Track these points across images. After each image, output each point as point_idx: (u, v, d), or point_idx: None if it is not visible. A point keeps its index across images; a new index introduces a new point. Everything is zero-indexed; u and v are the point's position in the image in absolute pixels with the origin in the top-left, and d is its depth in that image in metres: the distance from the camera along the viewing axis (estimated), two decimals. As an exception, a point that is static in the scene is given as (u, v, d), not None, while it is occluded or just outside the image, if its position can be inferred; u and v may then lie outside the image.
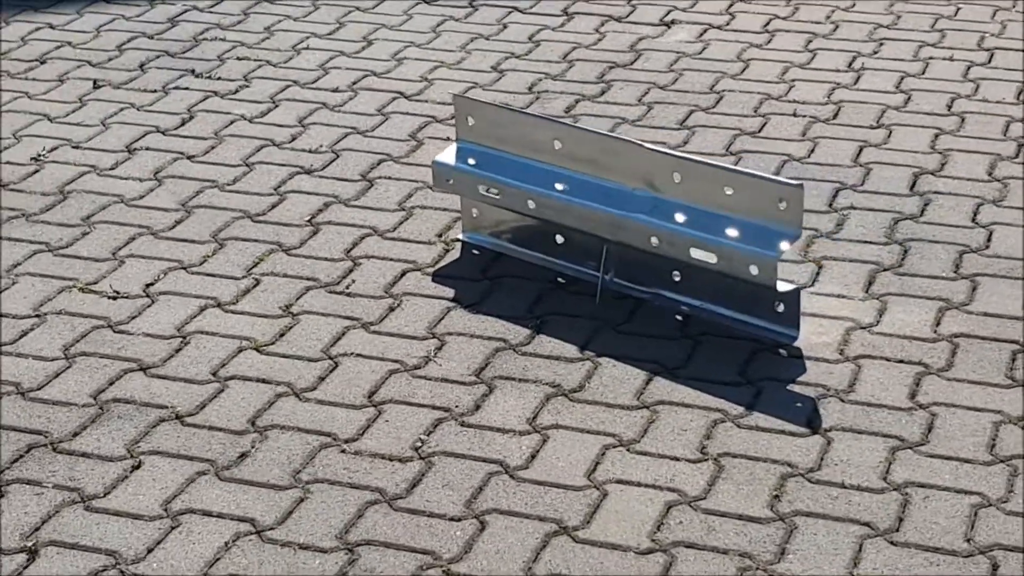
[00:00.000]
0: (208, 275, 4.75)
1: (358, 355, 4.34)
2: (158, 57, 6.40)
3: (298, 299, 4.62)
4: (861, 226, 4.97)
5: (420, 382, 4.22)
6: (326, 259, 4.83)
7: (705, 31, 6.61)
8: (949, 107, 5.82)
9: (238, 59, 6.36)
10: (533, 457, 3.91)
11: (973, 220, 5.00)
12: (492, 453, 3.92)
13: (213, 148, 5.59)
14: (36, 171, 5.43)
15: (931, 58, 6.28)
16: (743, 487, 3.78)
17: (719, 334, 4.42)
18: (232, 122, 5.79)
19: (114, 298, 4.62)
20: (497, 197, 4.74)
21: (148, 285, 4.70)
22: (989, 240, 4.88)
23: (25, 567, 3.55)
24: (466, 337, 4.42)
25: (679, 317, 4.50)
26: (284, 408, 4.11)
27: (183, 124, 5.78)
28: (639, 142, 4.58)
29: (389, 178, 5.35)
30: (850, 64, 6.24)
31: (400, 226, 5.03)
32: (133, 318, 4.53)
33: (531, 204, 4.67)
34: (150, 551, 3.59)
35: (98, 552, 3.59)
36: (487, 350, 4.35)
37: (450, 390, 4.18)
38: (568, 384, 4.20)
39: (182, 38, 6.59)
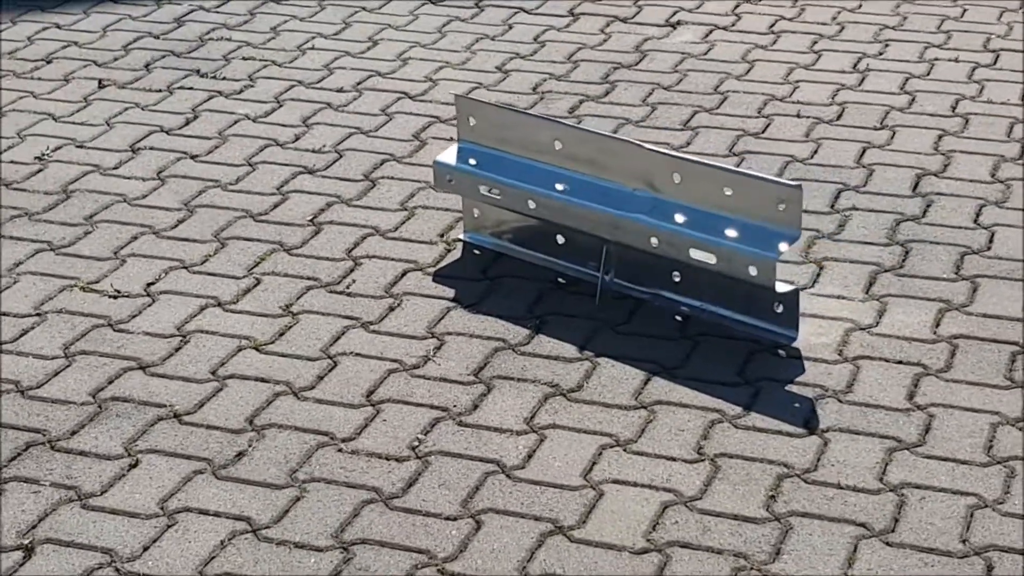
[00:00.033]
0: (209, 274, 4.76)
1: (357, 355, 4.34)
2: (164, 57, 6.42)
3: (298, 298, 4.62)
4: (863, 227, 4.97)
5: (418, 382, 4.22)
6: (327, 259, 4.84)
7: (711, 32, 6.60)
8: (953, 108, 5.82)
9: (243, 59, 6.37)
10: (530, 457, 3.91)
11: (975, 221, 4.99)
12: (489, 453, 3.93)
13: (216, 148, 5.60)
14: (39, 170, 5.44)
15: (936, 59, 6.27)
16: (739, 487, 3.78)
17: (718, 335, 4.42)
18: (236, 122, 5.80)
19: (115, 297, 4.64)
20: (498, 197, 4.74)
21: (149, 284, 4.71)
22: (991, 241, 4.87)
23: (21, 565, 3.56)
24: (465, 337, 4.42)
25: (679, 317, 4.51)
26: (282, 407, 4.12)
27: (187, 124, 5.80)
28: (639, 142, 4.58)
29: (392, 178, 5.35)
30: (855, 65, 6.24)
31: (402, 226, 5.04)
32: (133, 317, 4.54)
33: (531, 204, 4.68)
34: (146, 549, 3.60)
35: (94, 550, 3.60)
36: (486, 350, 4.35)
37: (448, 390, 4.18)
38: (566, 384, 4.20)
39: (188, 38, 6.60)
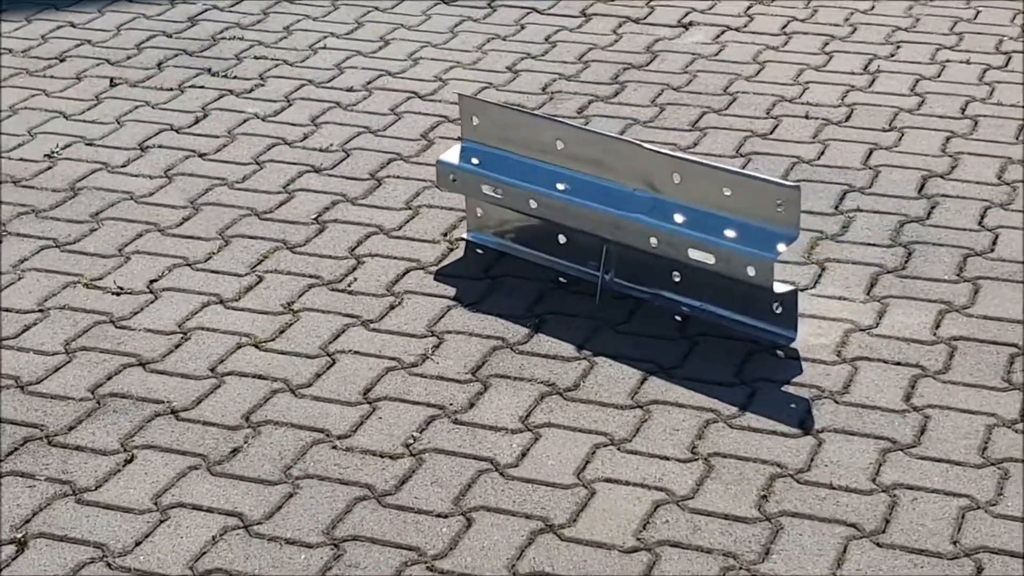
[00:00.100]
0: (212, 272, 4.78)
1: (356, 352, 4.36)
2: (176, 56, 6.45)
3: (300, 296, 4.64)
4: (866, 228, 4.96)
5: (416, 380, 4.23)
6: (330, 257, 4.85)
7: (722, 33, 6.60)
8: (963, 110, 5.80)
9: (255, 58, 6.40)
10: (524, 455, 3.92)
11: (979, 223, 4.98)
12: (483, 451, 3.93)
13: (225, 146, 5.62)
14: (48, 168, 5.47)
15: (948, 61, 6.26)
16: (731, 487, 3.78)
17: (717, 335, 4.42)
18: (245, 121, 5.83)
19: (118, 294, 4.66)
20: (500, 197, 4.75)
21: (152, 281, 4.73)
22: (994, 243, 4.86)
23: (14, 558, 3.58)
24: (464, 335, 4.43)
25: (678, 318, 4.51)
26: (279, 404, 4.13)
27: (197, 122, 5.82)
28: (639, 142, 4.59)
29: (398, 177, 5.37)
30: (866, 67, 6.23)
31: (406, 225, 5.05)
32: (135, 314, 4.56)
33: (533, 204, 4.69)
34: (138, 544, 3.62)
35: (86, 544, 3.62)
36: (485, 348, 4.36)
37: (445, 388, 4.19)
38: (563, 383, 4.20)
39: (201, 37, 6.63)
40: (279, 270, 4.78)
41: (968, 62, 6.24)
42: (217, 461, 3.90)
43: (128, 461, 3.91)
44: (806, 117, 5.76)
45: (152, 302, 4.62)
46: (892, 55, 6.34)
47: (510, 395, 4.15)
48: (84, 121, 5.84)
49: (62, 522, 3.69)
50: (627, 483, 3.81)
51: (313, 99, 6.01)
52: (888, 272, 4.71)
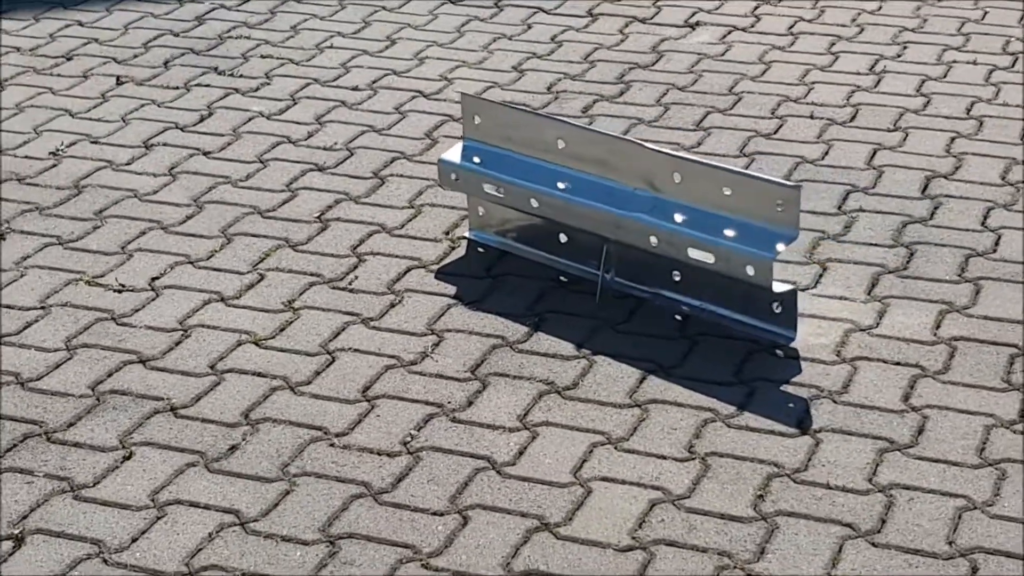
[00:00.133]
0: (214, 270, 4.79)
1: (355, 350, 4.36)
2: (183, 55, 6.46)
3: (301, 294, 4.65)
4: (869, 229, 4.95)
5: (415, 378, 4.24)
6: (332, 255, 4.86)
7: (729, 33, 6.60)
8: (968, 111, 5.80)
9: (261, 57, 6.41)
10: (521, 454, 3.92)
11: (982, 224, 4.97)
12: (480, 449, 3.94)
13: (229, 144, 5.63)
14: (53, 165, 5.49)
15: (954, 62, 6.25)
16: (727, 486, 3.78)
17: (717, 334, 4.41)
18: (250, 119, 5.84)
19: (119, 291, 4.67)
20: (501, 195, 4.75)
21: (154, 279, 4.74)
22: (997, 244, 4.85)
23: (10, 554, 3.59)
24: (464, 334, 4.44)
25: (678, 317, 4.50)
26: (278, 402, 4.14)
27: (201, 120, 5.83)
28: (640, 142, 4.59)
29: (401, 176, 5.38)
30: (872, 67, 6.22)
31: (408, 223, 5.05)
32: (136, 311, 4.57)
33: (534, 203, 4.69)
34: (134, 540, 3.63)
35: (83, 540, 3.63)
36: (484, 347, 4.37)
37: (444, 386, 4.20)
38: (562, 382, 4.21)
39: (208, 36, 6.64)
40: (281, 268, 4.79)
41: (975, 63, 6.23)
42: (215, 458, 3.91)
43: (126, 458, 3.92)
44: (811, 117, 5.76)
45: (153, 299, 4.63)
46: (899, 55, 6.33)
47: (508, 394, 4.16)
48: (90, 119, 5.86)
49: (59, 518, 3.70)
50: (623, 482, 3.81)
51: (318, 98, 6.02)
52: (889, 272, 4.71)
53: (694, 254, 4.40)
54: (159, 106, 5.96)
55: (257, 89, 6.10)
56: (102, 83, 6.19)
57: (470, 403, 4.12)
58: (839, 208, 5.09)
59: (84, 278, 4.73)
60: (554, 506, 3.72)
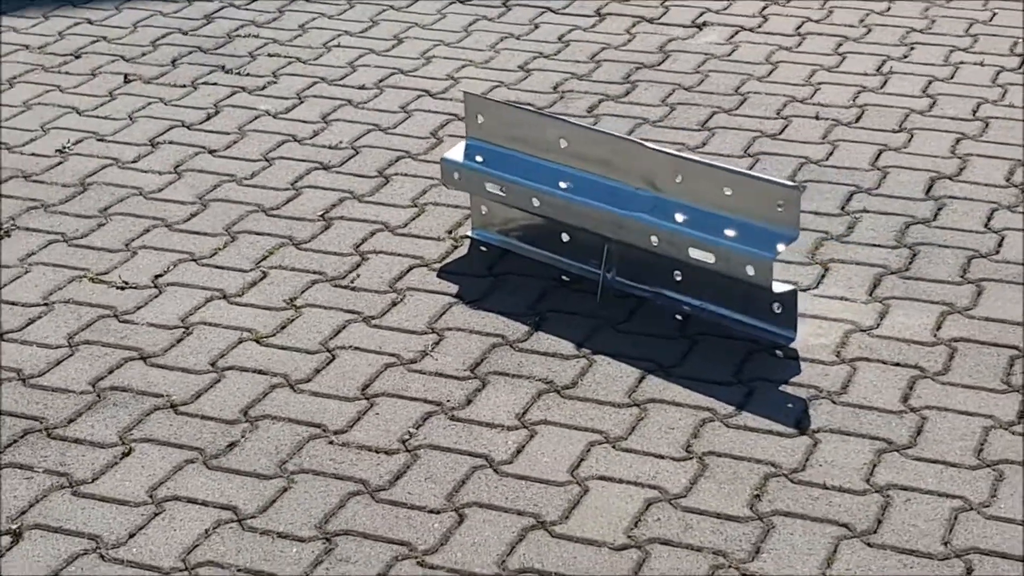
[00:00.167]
0: (217, 267, 4.80)
1: (356, 348, 4.37)
2: (191, 53, 6.48)
3: (303, 292, 4.66)
4: (872, 229, 4.95)
5: (414, 376, 4.25)
6: (335, 253, 4.87)
7: (736, 33, 6.60)
8: (974, 112, 5.79)
9: (269, 56, 6.43)
10: (519, 452, 3.93)
11: (986, 225, 4.97)
12: (478, 447, 3.95)
13: (235, 143, 5.65)
14: (59, 163, 5.50)
15: (961, 63, 6.25)
16: (724, 486, 3.79)
17: (717, 334, 4.42)
18: (256, 118, 5.85)
19: (122, 288, 4.69)
20: (503, 195, 4.76)
21: (157, 276, 4.75)
22: (1000, 245, 4.85)
23: (8, 549, 3.61)
24: (465, 333, 4.45)
25: (679, 317, 4.51)
26: (278, 399, 4.15)
27: (208, 119, 5.85)
28: (642, 141, 4.60)
29: (405, 175, 5.39)
30: (879, 68, 6.22)
31: (411, 222, 5.06)
32: (139, 308, 4.58)
33: (536, 202, 4.70)
34: (131, 536, 3.64)
35: (80, 536, 3.64)
36: (484, 346, 4.37)
37: (443, 384, 4.21)
38: (561, 381, 4.21)
39: (216, 35, 6.66)
40: (283, 266, 4.81)
41: (982, 64, 6.22)
42: (214, 455, 3.93)
43: (126, 454, 3.94)
44: (816, 118, 5.76)
45: (156, 297, 4.64)
46: (906, 56, 6.33)
47: (508, 392, 4.17)
48: (97, 117, 5.88)
49: (58, 513, 3.72)
50: (620, 481, 3.81)
51: (325, 97, 6.03)
52: (891, 273, 4.70)
53: (695, 254, 4.40)
54: (166, 104, 5.98)
55: (264, 88, 6.12)
56: (110, 81, 6.21)
57: (469, 402, 4.13)
58: (842, 209, 5.09)
59: (88, 275, 4.75)
60: (550, 505, 3.73)
